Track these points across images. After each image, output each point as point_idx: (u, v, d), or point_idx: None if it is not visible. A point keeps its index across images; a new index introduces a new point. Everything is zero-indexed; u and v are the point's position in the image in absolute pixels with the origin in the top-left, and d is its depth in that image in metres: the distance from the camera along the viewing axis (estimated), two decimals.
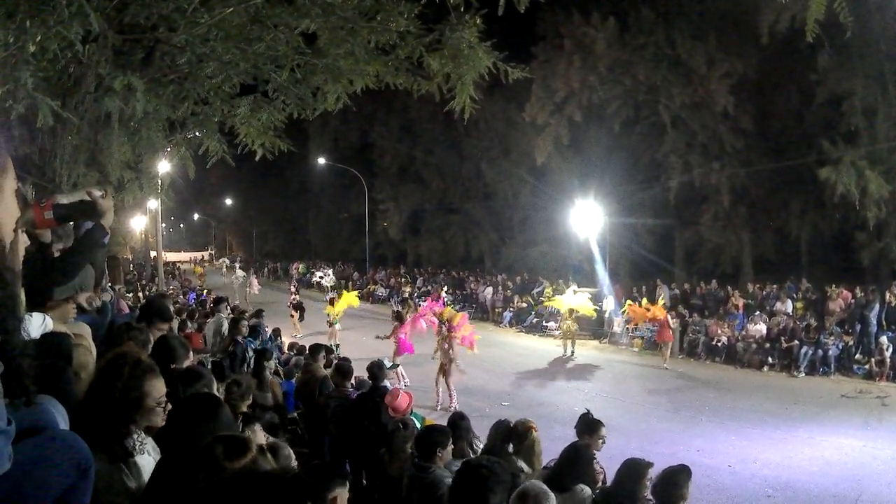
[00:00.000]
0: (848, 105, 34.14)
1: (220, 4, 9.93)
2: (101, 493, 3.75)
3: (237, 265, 69.78)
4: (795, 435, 19.24)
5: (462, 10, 10.26)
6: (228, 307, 19.35)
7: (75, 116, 10.27)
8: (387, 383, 13.73)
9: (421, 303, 32.57)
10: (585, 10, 43.06)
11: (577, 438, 9.33)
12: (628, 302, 33.39)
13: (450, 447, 8.14)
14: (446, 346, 23.02)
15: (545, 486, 6.48)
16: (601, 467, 9.32)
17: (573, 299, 34.22)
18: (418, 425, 10.44)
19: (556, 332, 35.77)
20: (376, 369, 12.88)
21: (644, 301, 32.82)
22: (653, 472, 7.90)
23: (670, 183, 42.40)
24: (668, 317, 30.61)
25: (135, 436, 4.23)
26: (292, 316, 36.23)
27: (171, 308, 11.73)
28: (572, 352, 32.71)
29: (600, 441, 9.56)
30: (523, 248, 57.35)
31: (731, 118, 39.95)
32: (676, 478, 7.84)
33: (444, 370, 22.77)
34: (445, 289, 49.35)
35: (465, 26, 10.33)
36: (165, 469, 3.94)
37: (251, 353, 14.96)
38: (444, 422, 10.31)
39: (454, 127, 54.75)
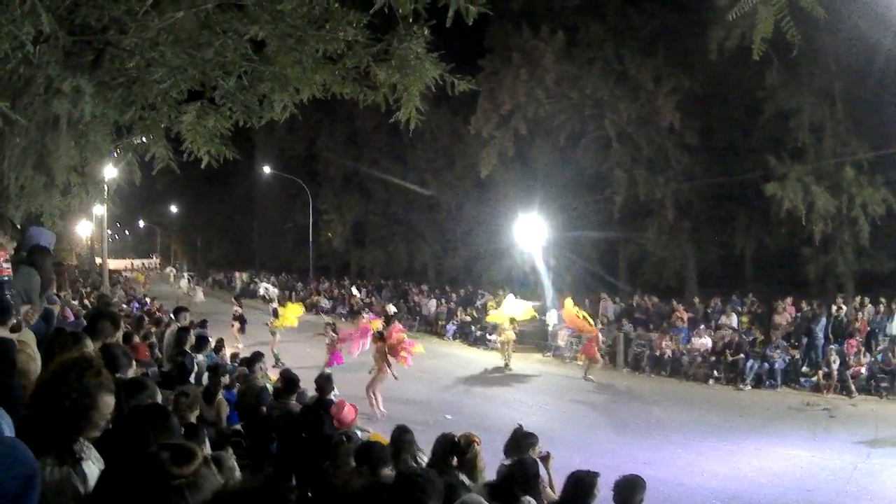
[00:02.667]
0: (795, 121, 34.70)
1: (171, 8, 9.87)
2: (51, 497, 3.70)
3: (185, 274, 69.46)
4: (742, 446, 19.30)
5: (411, 20, 10.24)
6: (188, 317, 19.13)
7: (24, 118, 10.17)
8: (332, 396, 13.67)
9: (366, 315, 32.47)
10: (534, 23, 43.12)
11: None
12: (568, 303, 33.29)
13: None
14: (379, 356, 23.23)
15: (483, 500, 6.50)
16: (548, 479, 9.35)
17: (513, 308, 34.31)
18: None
19: (497, 345, 35.73)
20: (323, 381, 12.82)
21: (584, 314, 32.71)
22: (599, 483, 7.98)
23: (615, 197, 42.46)
24: (599, 335, 30.76)
25: (80, 440, 4.16)
26: (233, 326, 36.00)
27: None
28: (507, 363, 32.91)
29: (537, 451, 9.59)
30: (467, 260, 57.58)
31: (678, 133, 40.23)
32: (636, 484, 7.92)
33: (375, 378, 22.92)
34: (393, 302, 49.35)
35: (413, 37, 10.32)
36: (111, 477, 3.87)
37: (197, 366, 14.85)
38: (387, 433, 10.31)
39: (399, 138, 54.93)
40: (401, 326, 26.03)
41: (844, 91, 33.88)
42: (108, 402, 4.18)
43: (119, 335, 10.55)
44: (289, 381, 13.62)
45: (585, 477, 7.94)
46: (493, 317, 36.17)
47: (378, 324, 26.08)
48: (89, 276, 61.56)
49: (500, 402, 25.75)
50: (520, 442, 9.66)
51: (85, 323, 10.49)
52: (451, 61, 11.04)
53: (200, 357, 15.09)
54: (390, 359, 23.20)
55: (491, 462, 9.64)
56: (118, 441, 4.25)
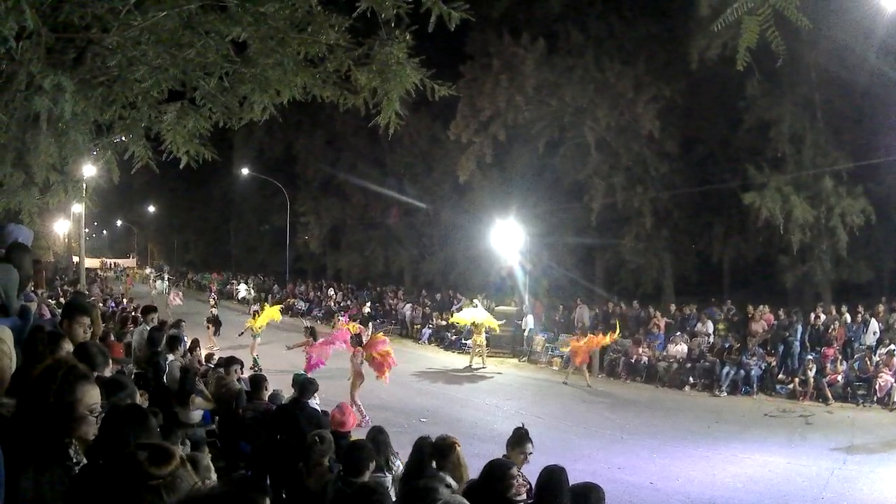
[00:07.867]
0: (775, 132, 34.80)
1: (154, 7, 9.83)
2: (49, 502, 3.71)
3: (164, 276, 69.35)
4: (718, 452, 19.40)
5: (392, 25, 10.21)
6: (157, 318, 19.00)
7: (5, 115, 10.12)
8: (313, 401, 13.60)
9: (343, 319, 32.44)
10: (515, 30, 43.04)
11: (495, 453, 9.33)
12: (574, 337, 33.23)
13: (373, 463, 8.13)
14: (356, 360, 23.12)
15: (464, 500, 6.48)
16: (525, 481, 9.31)
17: (474, 314, 34.51)
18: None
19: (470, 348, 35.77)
20: (307, 384, 12.78)
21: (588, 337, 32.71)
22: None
23: (593, 204, 42.37)
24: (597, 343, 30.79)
25: (74, 444, 4.13)
26: (208, 328, 35.85)
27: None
28: (482, 365, 33.21)
29: (521, 456, 9.55)
30: (444, 265, 57.44)
31: (657, 142, 40.18)
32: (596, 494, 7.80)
33: (353, 384, 22.83)
34: (369, 304, 49.27)
35: (394, 42, 10.27)
36: (88, 476, 3.85)
37: (166, 367, 14.79)
38: (362, 436, 10.30)
39: (378, 142, 55.03)
40: (385, 339, 25.77)
41: (825, 102, 34.07)
42: (91, 393, 4.13)
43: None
44: (253, 381, 13.70)
45: (562, 474, 7.83)
46: (456, 318, 36.41)
47: (355, 326, 26.01)
48: (66, 273, 61.36)
49: (475, 407, 25.82)
50: (516, 440, 9.66)
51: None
52: (432, 67, 10.96)
53: (171, 357, 15.04)
54: (368, 367, 23.17)
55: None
56: (95, 440, 4.22)
